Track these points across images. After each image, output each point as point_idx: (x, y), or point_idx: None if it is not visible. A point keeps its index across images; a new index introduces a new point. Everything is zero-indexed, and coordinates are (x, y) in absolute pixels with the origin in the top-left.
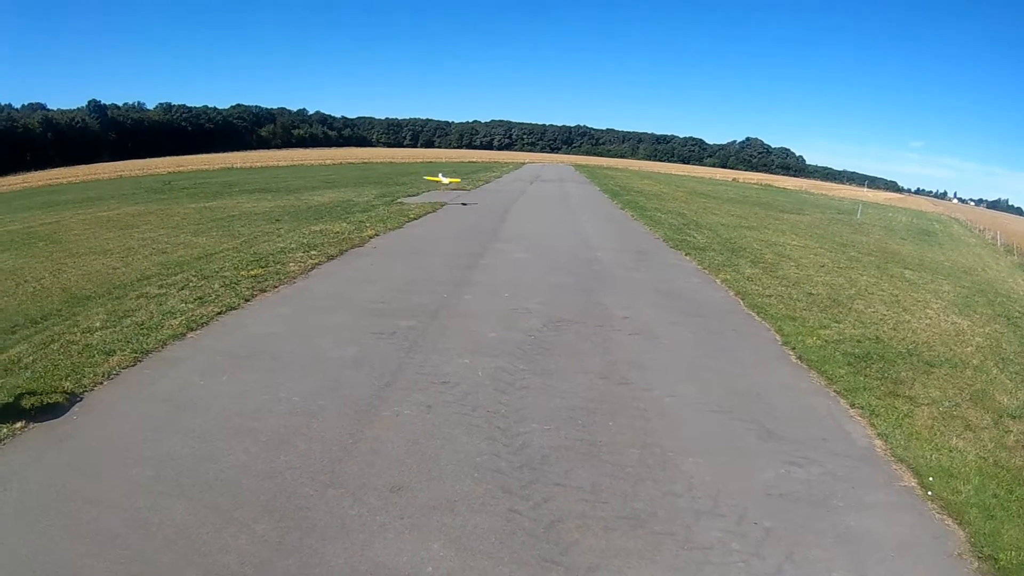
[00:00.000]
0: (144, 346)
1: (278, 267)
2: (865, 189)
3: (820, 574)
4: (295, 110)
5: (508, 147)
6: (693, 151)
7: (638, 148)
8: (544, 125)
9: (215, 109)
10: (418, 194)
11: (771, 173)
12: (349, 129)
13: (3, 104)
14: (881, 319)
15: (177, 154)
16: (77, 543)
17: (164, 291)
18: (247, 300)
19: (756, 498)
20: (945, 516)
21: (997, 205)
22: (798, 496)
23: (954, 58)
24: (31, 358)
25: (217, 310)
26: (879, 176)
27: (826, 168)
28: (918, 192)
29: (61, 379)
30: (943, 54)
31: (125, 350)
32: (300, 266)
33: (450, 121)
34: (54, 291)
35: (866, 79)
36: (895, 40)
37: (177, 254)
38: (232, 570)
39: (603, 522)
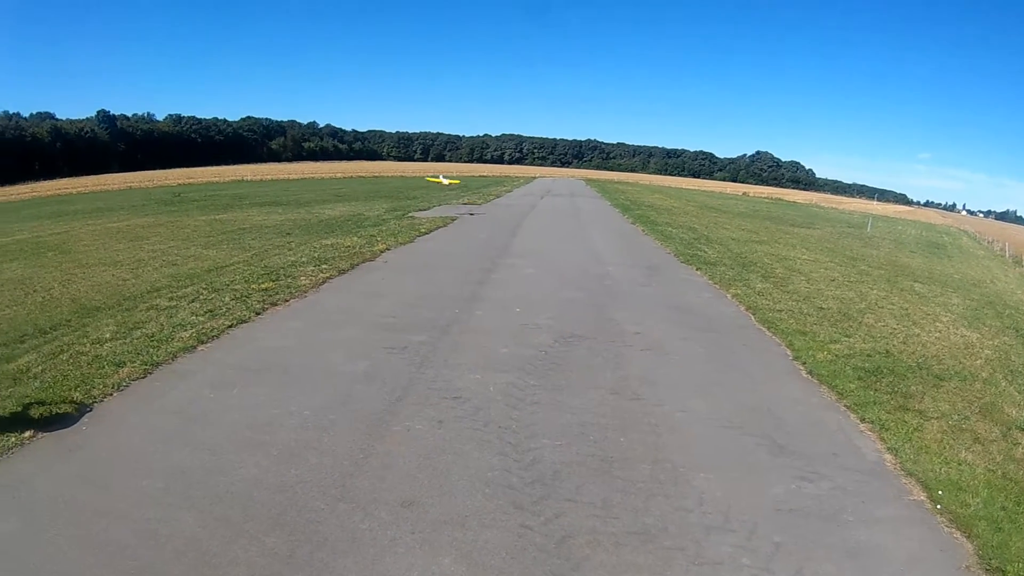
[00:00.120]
0: (154, 358)
1: (289, 281)
2: (875, 202)
3: None
4: (305, 123)
5: (519, 161)
6: (704, 165)
7: (649, 162)
8: (555, 139)
9: (225, 121)
10: (429, 208)
11: (781, 187)
12: (360, 142)
13: (11, 113)
14: (891, 333)
15: (187, 166)
16: (86, 553)
17: (174, 303)
18: (258, 313)
19: (766, 513)
20: (954, 529)
21: (1006, 216)
22: (808, 511)
23: (962, 69)
24: (40, 368)
25: (228, 323)
26: (888, 189)
27: (836, 181)
28: (927, 204)
29: (70, 389)
30: (950, 65)
31: (135, 362)
32: (311, 280)
33: (461, 135)
34: (63, 301)
35: (875, 91)
36: (903, 52)
37: (187, 266)
38: None
39: (614, 538)
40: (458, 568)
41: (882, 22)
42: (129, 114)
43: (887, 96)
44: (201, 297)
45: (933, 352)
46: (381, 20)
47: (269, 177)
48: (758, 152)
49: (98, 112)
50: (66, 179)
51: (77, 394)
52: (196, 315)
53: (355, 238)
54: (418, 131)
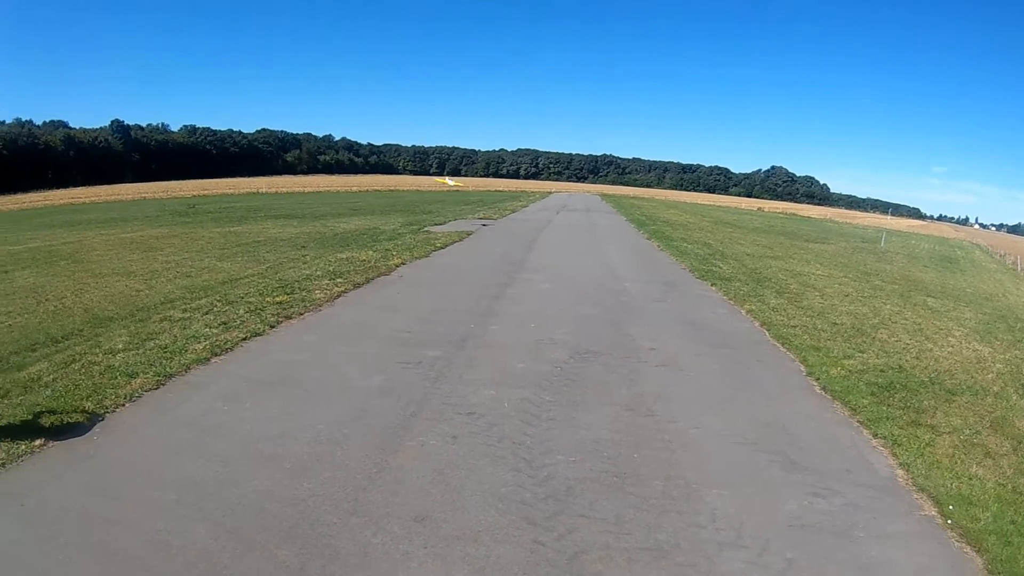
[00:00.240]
0: (167, 369)
1: (304, 294)
2: (889, 217)
3: None
4: (321, 136)
5: (535, 176)
6: (719, 180)
7: (664, 177)
8: (570, 154)
9: (240, 133)
10: (445, 223)
11: (796, 202)
12: (375, 156)
13: (24, 120)
14: (904, 348)
15: (201, 177)
16: (95, 563)
17: (188, 315)
18: (272, 326)
19: (779, 529)
20: (964, 544)
21: (1018, 229)
22: (821, 527)
23: (975, 82)
24: (51, 377)
25: (242, 336)
26: (902, 203)
27: (850, 196)
28: (940, 218)
29: (82, 399)
30: (964, 78)
31: (148, 373)
32: (326, 294)
33: (476, 149)
34: (75, 311)
35: (890, 105)
36: (917, 65)
37: (202, 278)
38: None
39: (626, 553)
40: None
41: (896, 36)
42: (143, 124)
43: (902, 110)
44: (215, 309)
45: (945, 367)
46: (398, 34)
47: (284, 190)
48: (773, 167)
49: (112, 122)
50: (79, 188)
51: (89, 404)
52: (210, 327)
53: (370, 252)
54: (434, 145)
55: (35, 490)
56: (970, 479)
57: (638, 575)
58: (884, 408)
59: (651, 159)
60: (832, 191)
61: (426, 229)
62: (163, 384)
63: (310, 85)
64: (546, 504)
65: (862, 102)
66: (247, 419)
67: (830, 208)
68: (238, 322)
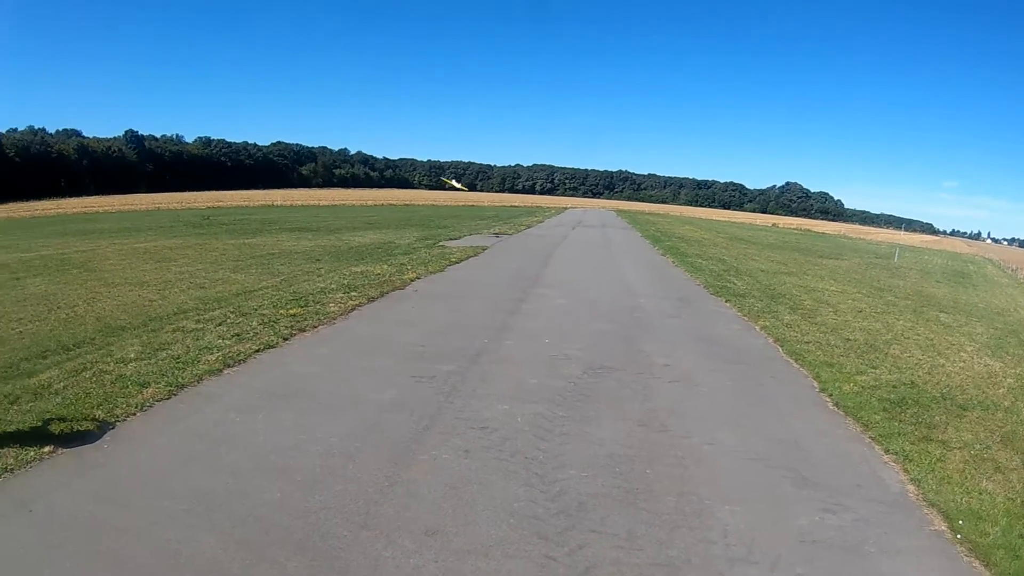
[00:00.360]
0: (179, 380)
1: (318, 307)
2: (902, 232)
3: None
4: (336, 149)
5: (550, 191)
6: (734, 196)
7: (679, 193)
8: (586, 170)
9: (255, 145)
10: (460, 237)
11: (810, 218)
12: (391, 170)
13: (36, 128)
14: (916, 364)
15: (216, 189)
16: (104, 571)
17: (201, 326)
18: (286, 339)
19: (790, 545)
20: (973, 558)
21: None
22: (831, 543)
23: (986, 97)
24: (62, 384)
25: (255, 347)
26: (915, 218)
27: (864, 212)
28: (953, 233)
29: (93, 407)
30: (975, 93)
31: (160, 383)
32: (340, 307)
33: (492, 164)
34: (87, 319)
35: (901, 120)
36: (928, 81)
37: (215, 289)
38: None
39: (637, 569)
40: None
41: (908, 52)
42: (157, 135)
43: (915, 124)
44: (228, 321)
45: (957, 382)
46: (414, 49)
47: (299, 203)
48: (787, 183)
49: (126, 132)
50: (93, 197)
51: (99, 412)
52: (223, 338)
53: (385, 266)
54: (449, 160)
55: (43, 496)
56: (980, 494)
57: None
58: (896, 424)
59: (666, 175)
60: (846, 207)
61: (441, 243)
62: (175, 394)
63: (326, 98)
64: (558, 519)
65: (875, 117)
66: (259, 431)
67: (844, 224)
68: (251, 334)
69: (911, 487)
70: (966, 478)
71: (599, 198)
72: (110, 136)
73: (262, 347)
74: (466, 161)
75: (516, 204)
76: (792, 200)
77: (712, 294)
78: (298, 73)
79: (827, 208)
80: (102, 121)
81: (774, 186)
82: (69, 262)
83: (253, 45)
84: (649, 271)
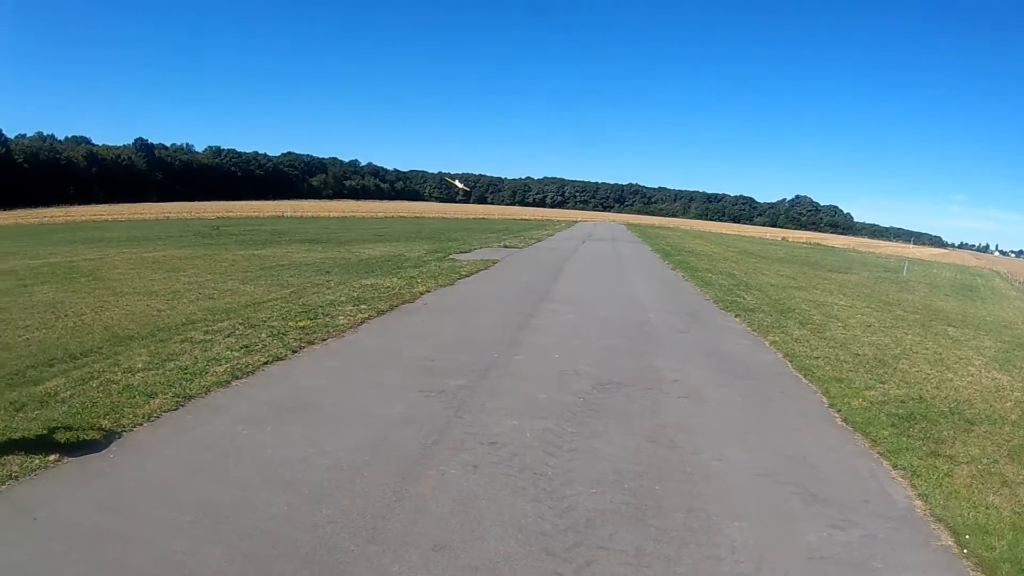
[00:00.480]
0: (187, 391)
1: (327, 320)
2: (911, 246)
3: None
4: (347, 160)
5: (561, 204)
6: (744, 210)
7: (689, 207)
8: (596, 183)
9: (265, 156)
10: (470, 251)
11: (820, 231)
12: (401, 182)
13: (46, 135)
14: (925, 378)
15: (226, 199)
16: None
17: (210, 337)
18: (294, 351)
19: (798, 561)
20: (979, 572)
21: None
22: (839, 559)
23: (995, 110)
24: (68, 393)
25: (263, 359)
26: (924, 231)
27: (873, 225)
28: (961, 246)
29: (99, 417)
30: (984, 106)
31: (167, 393)
32: (349, 320)
33: (503, 177)
34: (95, 328)
35: (911, 133)
36: (937, 94)
37: (224, 301)
38: None
39: None
40: None
41: (917, 64)
42: (167, 144)
43: (925, 137)
44: (237, 332)
45: (965, 396)
46: (425, 61)
47: (309, 214)
48: (797, 196)
49: (135, 140)
50: (102, 205)
51: (106, 422)
52: (231, 350)
53: (395, 279)
54: (460, 172)
55: (48, 504)
56: (987, 508)
57: None
58: (904, 439)
59: (677, 188)
60: (856, 220)
61: (451, 257)
62: (182, 405)
63: (336, 109)
64: (566, 535)
65: (885, 130)
66: (267, 443)
67: (853, 237)
68: (260, 346)
69: (918, 502)
70: (973, 492)
71: (609, 211)
72: (119, 144)
73: (271, 359)
74: (476, 173)
75: (526, 217)
76: (802, 213)
77: (722, 309)
78: (308, 83)
79: (837, 221)
80: (111, 129)
81: (784, 199)
82: (77, 270)
83: (263, 54)
84: (659, 286)
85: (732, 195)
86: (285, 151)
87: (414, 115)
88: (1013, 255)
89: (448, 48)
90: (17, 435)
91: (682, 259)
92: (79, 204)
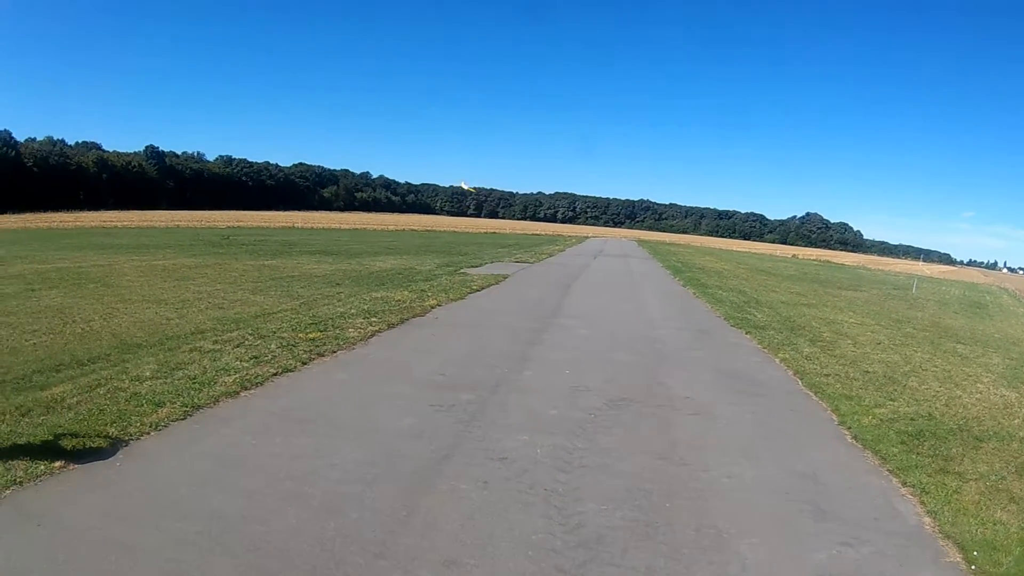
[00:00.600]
0: (195, 401)
1: (337, 332)
2: (921, 263)
3: None
4: (358, 173)
5: (571, 220)
6: (754, 227)
7: (700, 223)
8: (608, 199)
9: (276, 166)
10: (481, 265)
11: (830, 248)
12: (413, 195)
13: (56, 139)
14: (934, 396)
15: (236, 208)
16: None
17: (219, 347)
18: (304, 363)
19: None
20: None
21: None
22: None
23: (1003, 128)
24: (75, 399)
25: (273, 371)
26: (933, 249)
27: (883, 243)
28: (970, 263)
29: (106, 424)
30: (991, 124)
31: (175, 403)
32: (359, 332)
33: (514, 192)
34: (103, 335)
35: (920, 150)
36: (945, 111)
37: (234, 311)
38: None
39: None
40: None
41: (930, 83)
42: (178, 152)
43: (935, 154)
44: (246, 343)
45: (974, 414)
46: (437, 75)
47: (320, 225)
48: (808, 213)
49: (146, 147)
50: (112, 212)
51: (113, 429)
52: (241, 360)
53: (406, 292)
54: (471, 186)
55: (53, 511)
56: (994, 524)
57: None
58: (913, 456)
59: (688, 205)
60: (866, 238)
61: (462, 271)
62: (190, 415)
63: (348, 121)
64: (576, 552)
65: (895, 147)
66: (275, 455)
67: (863, 255)
68: (270, 357)
69: (927, 519)
70: (981, 509)
71: (620, 227)
72: (130, 151)
73: (280, 370)
74: (488, 188)
75: (538, 232)
76: (812, 231)
77: (732, 326)
78: (320, 94)
79: (846, 239)
80: (122, 135)
81: (794, 217)
82: (86, 276)
83: (276, 65)
84: (670, 302)
85: (743, 212)
86: (296, 162)
87: (426, 128)
88: (1021, 272)
89: (461, 63)
90: (22, 440)
91: (692, 276)
92: (88, 210)
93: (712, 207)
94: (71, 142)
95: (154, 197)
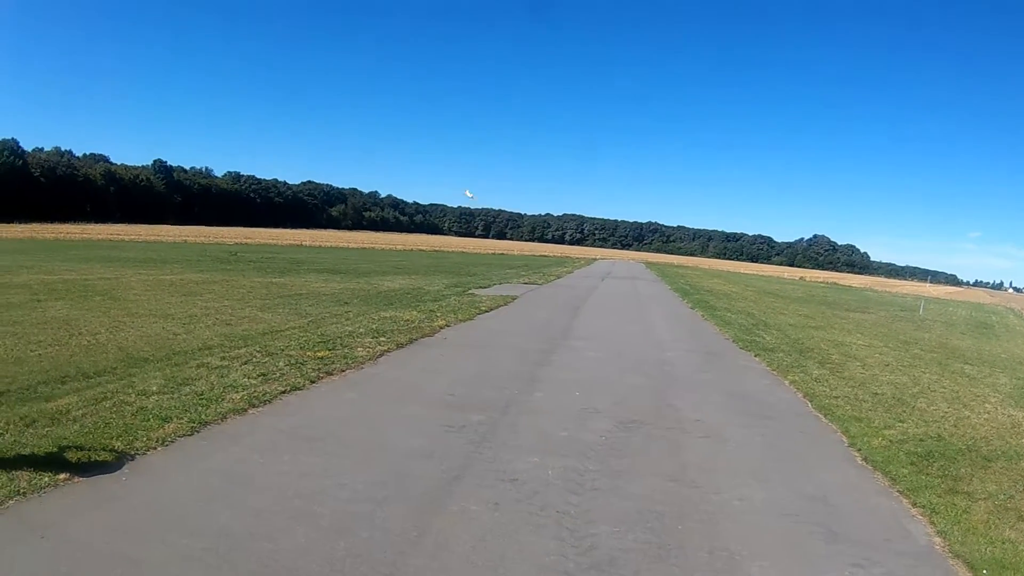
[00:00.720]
0: (203, 417)
1: (346, 351)
2: (927, 284)
3: None
4: (367, 192)
5: (579, 242)
6: (762, 249)
7: (708, 246)
8: (615, 221)
9: (285, 184)
10: (490, 286)
11: (837, 270)
12: (421, 215)
13: (64, 150)
14: (943, 416)
15: (244, 225)
16: None
17: (226, 363)
18: (312, 381)
19: None
20: None
21: None
22: None
23: (1008, 147)
24: (80, 412)
25: (281, 388)
26: (939, 270)
27: (889, 264)
28: (976, 284)
29: (112, 438)
30: (996, 143)
31: (182, 418)
32: (368, 351)
33: (523, 213)
34: (109, 348)
35: (926, 172)
36: (953, 131)
37: (242, 327)
38: None
39: None
40: None
41: (936, 103)
42: (187, 167)
43: (940, 176)
44: (254, 360)
45: (982, 434)
46: (447, 94)
47: (328, 244)
48: (815, 236)
49: (154, 161)
50: (119, 225)
51: (119, 443)
52: (248, 377)
53: (414, 312)
54: (480, 207)
55: (57, 524)
56: (1003, 543)
57: None
58: (923, 477)
59: (695, 227)
60: (872, 259)
61: (471, 292)
62: (197, 431)
63: (357, 140)
64: (589, 574)
65: (901, 169)
66: (284, 473)
67: (870, 277)
68: (278, 374)
69: (937, 539)
70: (990, 528)
71: (628, 249)
72: (138, 164)
73: (288, 388)
74: (496, 209)
75: (546, 253)
76: (819, 253)
77: (741, 348)
78: (329, 113)
79: (853, 261)
80: (130, 148)
81: (801, 239)
82: (92, 288)
83: (285, 82)
84: (679, 325)
85: (750, 234)
86: (305, 179)
87: (435, 149)
88: None
89: (469, 82)
90: (26, 451)
91: (701, 298)
92: (95, 222)
93: (720, 229)
94: (79, 153)
95: (161, 212)
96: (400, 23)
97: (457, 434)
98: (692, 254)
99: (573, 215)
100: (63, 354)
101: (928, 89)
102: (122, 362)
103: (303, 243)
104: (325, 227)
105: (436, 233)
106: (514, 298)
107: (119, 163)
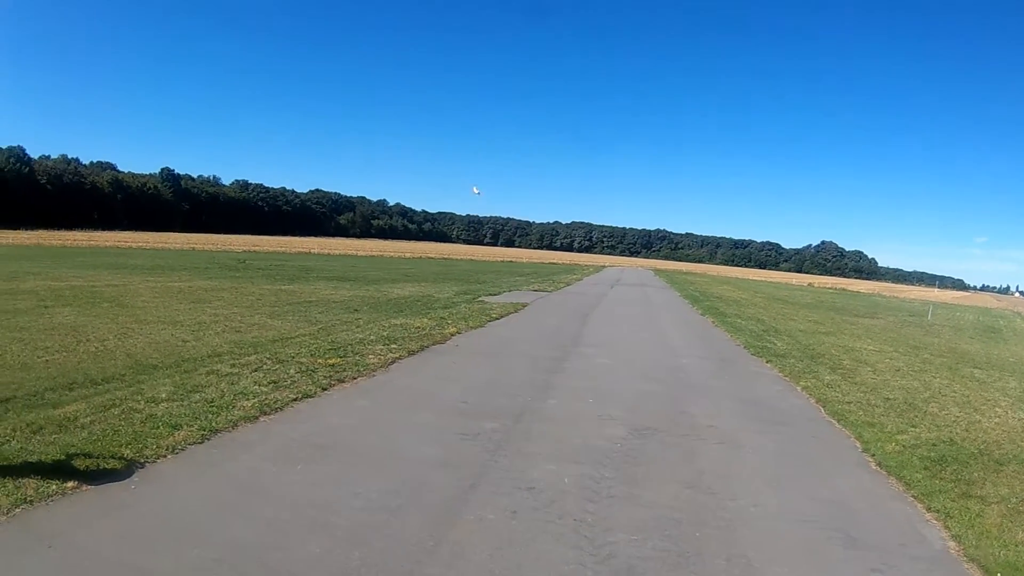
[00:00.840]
0: (213, 425)
1: (357, 358)
2: (935, 289)
3: None
4: (375, 200)
5: (588, 249)
6: (770, 256)
7: (716, 253)
8: (624, 228)
9: (293, 192)
10: (499, 293)
11: (845, 276)
12: (429, 223)
13: (71, 158)
14: (954, 421)
15: (252, 233)
16: None
17: (236, 370)
18: (324, 389)
19: None
20: None
21: None
22: None
23: (1017, 151)
24: (88, 419)
25: (292, 396)
26: (947, 275)
27: (897, 270)
28: (983, 289)
29: (121, 446)
30: (1002, 148)
31: (192, 426)
32: (380, 359)
33: (531, 221)
34: (118, 354)
35: (933, 178)
36: (959, 136)
37: (251, 334)
38: None
39: None
40: None
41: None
42: (194, 175)
43: (947, 181)
44: (265, 367)
45: (993, 437)
46: (454, 103)
47: (337, 252)
48: (823, 242)
49: (162, 169)
50: (127, 232)
51: (128, 451)
52: (259, 384)
53: (425, 319)
54: (488, 215)
55: (65, 532)
56: (1016, 546)
57: None
58: (937, 481)
59: (703, 234)
60: (880, 265)
61: (480, 299)
62: (208, 439)
63: (365, 149)
64: None
65: (908, 174)
66: (296, 482)
67: (878, 282)
68: (289, 382)
69: (952, 543)
70: (1003, 531)
71: (637, 256)
72: (145, 172)
73: (299, 396)
74: (505, 217)
75: (554, 261)
76: (827, 259)
77: (753, 354)
78: (337, 121)
79: (861, 267)
80: (137, 156)
81: (809, 245)
82: (100, 295)
83: (293, 90)
84: (690, 331)
85: (758, 241)
86: (313, 188)
87: (443, 157)
88: None
89: (477, 93)
90: (34, 458)
91: (711, 305)
92: (103, 229)
93: (728, 236)
94: (85, 161)
95: (169, 219)
96: (406, 34)
97: (472, 442)
98: (700, 261)
99: (581, 223)
100: (70, 360)
101: (934, 95)
102: (131, 369)
103: (312, 251)
104: (334, 235)
105: (445, 241)
106: (524, 305)
107: (126, 171)
